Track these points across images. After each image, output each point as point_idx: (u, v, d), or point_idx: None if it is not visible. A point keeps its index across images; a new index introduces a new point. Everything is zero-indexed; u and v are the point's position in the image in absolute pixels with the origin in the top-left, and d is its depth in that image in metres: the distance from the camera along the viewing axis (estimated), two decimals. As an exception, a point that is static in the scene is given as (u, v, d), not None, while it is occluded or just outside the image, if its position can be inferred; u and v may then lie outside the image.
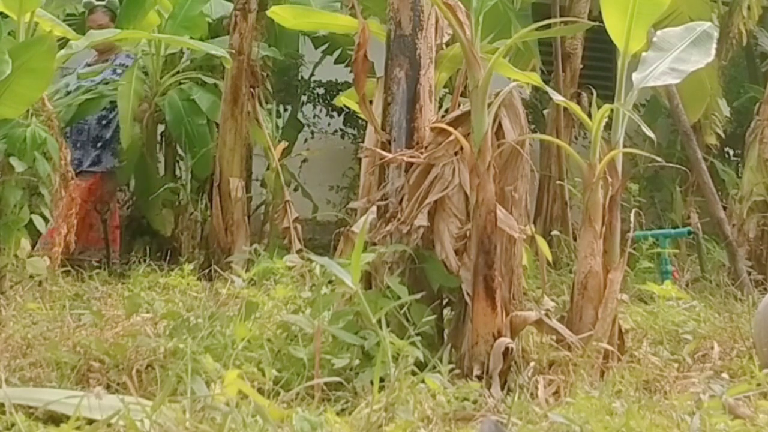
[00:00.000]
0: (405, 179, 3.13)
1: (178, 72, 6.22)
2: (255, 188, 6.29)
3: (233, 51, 5.64)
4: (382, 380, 2.34)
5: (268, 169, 5.96)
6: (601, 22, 3.42)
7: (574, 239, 4.49)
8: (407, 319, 2.79)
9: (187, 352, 2.47)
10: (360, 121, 7.37)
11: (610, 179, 3.24)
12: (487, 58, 3.16)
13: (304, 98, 7.65)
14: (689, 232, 5.90)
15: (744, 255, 5.62)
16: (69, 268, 4.78)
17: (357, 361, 2.70)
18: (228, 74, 5.74)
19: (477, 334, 2.94)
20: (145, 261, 5.27)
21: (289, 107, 7.32)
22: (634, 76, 3.33)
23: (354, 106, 3.99)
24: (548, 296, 3.49)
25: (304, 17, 4.26)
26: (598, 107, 3.29)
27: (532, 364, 2.96)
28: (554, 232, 5.97)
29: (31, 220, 4.30)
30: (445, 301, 3.18)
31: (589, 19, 5.91)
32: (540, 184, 6.76)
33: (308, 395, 2.47)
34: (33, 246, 4.46)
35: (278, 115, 6.73)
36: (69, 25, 5.76)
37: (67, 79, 5.69)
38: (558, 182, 6.67)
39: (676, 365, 3.24)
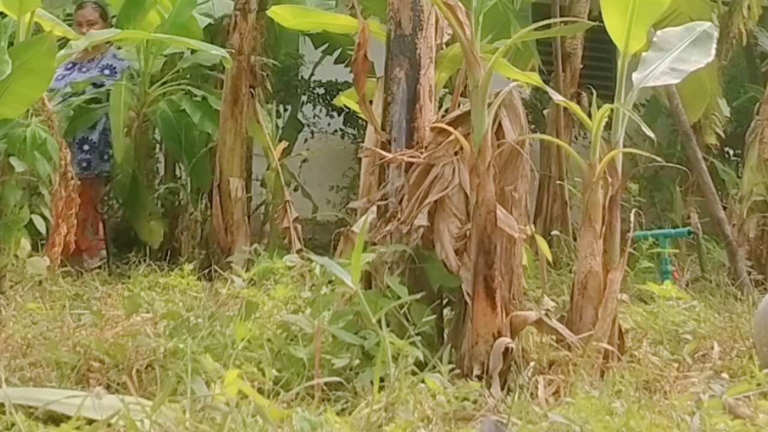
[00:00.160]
0: (405, 179, 3.13)
1: (165, 83, 6.16)
2: (255, 188, 6.29)
3: (233, 51, 5.64)
4: (382, 380, 2.34)
5: (268, 169, 5.96)
6: (601, 22, 3.42)
7: (574, 239, 4.49)
8: (407, 319, 2.79)
9: (187, 352, 2.47)
10: (360, 121, 7.37)
11: (610, 179, 3.24)
12: (487, 58, 3.16)
13: (304, 98, 7.64)
14: (689, 232, 5.89)
15: (744, 255, 5.62)
16: (69, 268, 4.78)
17: (357, 361, 2.70)
18: (228, 74, 5.73)
19: (477, 334, 2.94)
20: (145, 261, 5.27)
21: (289, 107, 7.32)
22: (634, 76, 3.33)
23: (354, 106, 3.99)
24: (548, 296, 3.49)
25: (304, 17, 4.26)
26: (598, 107, 3.29)
27: (532, 364, 2.96)
28: (554, 232, 5.96)
29: (31, 220, 4.30)
30: (445, 301, 3.18)
31: (589, 19, 5.90)
32: (540, 184, 6.75)
33: (308, 395, 2.47)
34: (33, 246, 4.46)
35: (278, 115, 6.74)
36: (69, 25, 5.76)
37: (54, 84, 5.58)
38: (558, 182, 6.67)
39: (676, 365, 3.24)
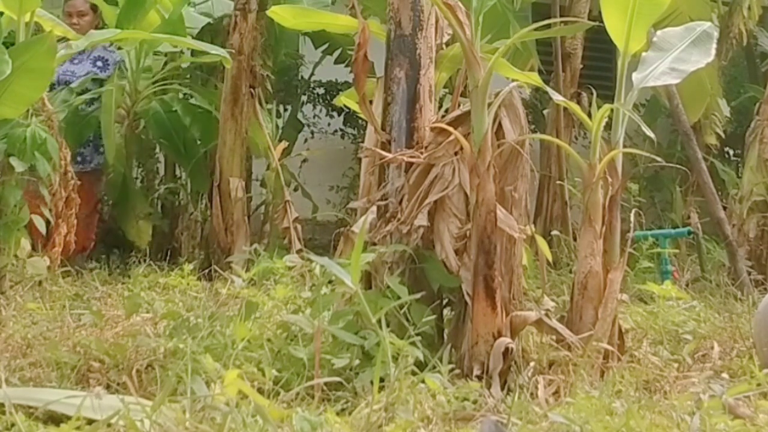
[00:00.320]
0: (405, 179, 3.13)
1: (156, 82, 6.14)
2: (255, 188, 6.29)
3: (233, 51, 5.64)
4: (382, 380, 2.33)
5: (268, 169, 5.97)
6: (601, 22, 3.42)
7: (574, 239, 4.49)
8: (407, 319, 2.79)
9: (187, 352, 2.47)
10: (360, 121, 7.37)
11: (610, 179, 3.24)
12: (487, 58, 3.16)
13: (304, 98, 7.64)
14: (689, 232, 5.90)
15: (744, 255, 5.62)
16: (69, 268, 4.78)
17: (357, 361, 2.70)
18: (228, 74, 5.73)
19: (477, 334, 2.94)
20: (144, 261, 5.27)
21: (289, 107, 7.32)
22: (634, 76, 3.33)
23: (354, 106, 3.99)
24: (548, 296, 3.49)
25: (304, 17, 4.26)
26: (598, 107, 3.29)
27: (532, 364, 2.96)
28: (554, 232, 5.96)
29: (31, 220, 4.30)
30: (445, 301, 3.18)
31: (589, 19, 5.90)
32: (540, 184, 6.75)
33: (308, 395, 2.47)
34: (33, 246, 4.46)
35: (278, 115, 6.74)
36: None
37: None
38: (558, 182, 6.67)
39: (676, 365, 3.24)
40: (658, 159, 4.85)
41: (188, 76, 6.48)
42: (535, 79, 3.50)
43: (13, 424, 2.09)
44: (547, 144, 6.88)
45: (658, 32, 3.57)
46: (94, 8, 5.92)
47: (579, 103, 6.08)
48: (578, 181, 4.71)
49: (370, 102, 3.44)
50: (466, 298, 2.98)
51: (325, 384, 2.54)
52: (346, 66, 6.91)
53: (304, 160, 7.00)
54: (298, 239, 5.65)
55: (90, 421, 2.06)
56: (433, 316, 2.91)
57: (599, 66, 7.45)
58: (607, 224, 3.21)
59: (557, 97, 3.55)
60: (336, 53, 7.28)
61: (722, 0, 7.63)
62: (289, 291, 3.40)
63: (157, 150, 6.42)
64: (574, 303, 3.22)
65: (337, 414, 2.30)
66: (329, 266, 2.44)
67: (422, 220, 3.04)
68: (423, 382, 2.49)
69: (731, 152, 8.44)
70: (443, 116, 3.26)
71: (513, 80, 3.36)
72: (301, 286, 3.60)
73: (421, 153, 3.14)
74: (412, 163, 3.12)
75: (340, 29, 4.17)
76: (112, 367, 2.84)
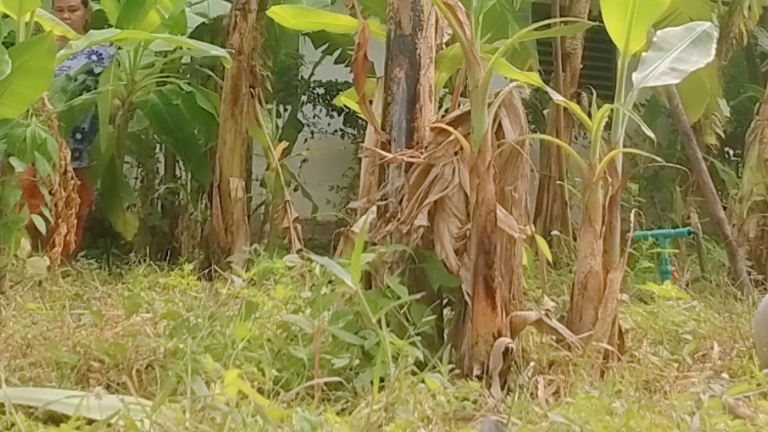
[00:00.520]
0: (405, 179, 3.13)
1: (152, 74, 6.11)
2: (255, 188, 6.29)
3: (233, 51, 5.64)
4: (382, 380, 2.33)
5: (268, 169, 5.96)
6: (601, 22, 3.42)
7: (574, 239, 4.49)
8: (407, 319, 2.79)
9: (187, 352, 2.47)
10: (360, 121, 7.37)
11: (610, 179, 3.23)
12: (487, 58, 3.16)
13: (304, 98, 7.64)
14: (689, 232, 5.90)
15: (744, 255, 5.62)
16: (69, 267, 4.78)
17: (357, 361, 2.70)
18: (228, 74, 5.73)
19: (477, 334, 2.94)
20: (145, 261, 5.27)
21: (289, 107, 7.32)
22: (634, 76, 3.33)
23: (354, 106, 3.99)
24: (548, 296, 3.49)
25: (304, 17, 4.26)
26: (598, 107, 3.29)
27: (532, 364, 2.96)
28: (554, 232, 5.97)
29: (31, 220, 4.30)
30: (445, 301, 3.18)
31: (589, 19, 5.90)
32: (540, 184, 6.76)
33: (308, 395, 2.47)
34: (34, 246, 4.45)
35: (278, 115, 6.74)
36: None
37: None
38: (558, 182, 6.67)
39: (676, 365, 3.23)
40: (658, 159, 4.85)
41: (188, 75, 6.46)
42: (535, 79, 3.50)
43: (13, 424, 2.09)
44: (547, 144, 6.89)
45: (658, 32, 3.57)
46: (84, 3, 5.92)
47: (579, 103, 6.08)
48: (578, 181, 4.70)
49: (370, 102, 3.44)
50: (466, 298, 2.98)
51: (325, 384, 2.54)
52: (346, 66, 6.91)
53: (304, 160, 7.00)
54: (298, 239, 5.64)
55: (90, 421, 2.06)
56: (433, 316, 2.91)
57: (599, 66, 7.46)
58: (607, 224, 3.21)
59: (557, 97, 3.55)
60: (336, 53, 7.28)
61: (722, 0, 7.63)
62: (289, 291, 3.40)
63: (157, 150, 6.42)
64: (574, 303, 3.22)
65: (337, 414, 2.30)
66: (329, 266, 2.44)
67: (422, 220, 3.04)
68: (423, 382, 2.49)
69: (731, 152, 8.44)
70: (443, 116, 3.26)
71: (513, 80, 3.36)
72: (301, 286, 3.60)
73: (421, 153, 3.14)
74: (412, 163, 3.12)
75: (340, 29, 4.17)
76: (112, 367, 2.84)
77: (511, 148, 3.13)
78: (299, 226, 5.72)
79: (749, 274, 5.41)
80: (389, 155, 3.15)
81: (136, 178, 6.34)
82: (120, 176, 5.97)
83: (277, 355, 2.77)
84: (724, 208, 5.84)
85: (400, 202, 3.11)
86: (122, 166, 6.04)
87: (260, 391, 2.38)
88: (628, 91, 3.30)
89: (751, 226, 5.83)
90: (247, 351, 2.68)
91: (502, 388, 2.77)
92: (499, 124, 3.15)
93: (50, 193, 4.49)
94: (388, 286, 2.88)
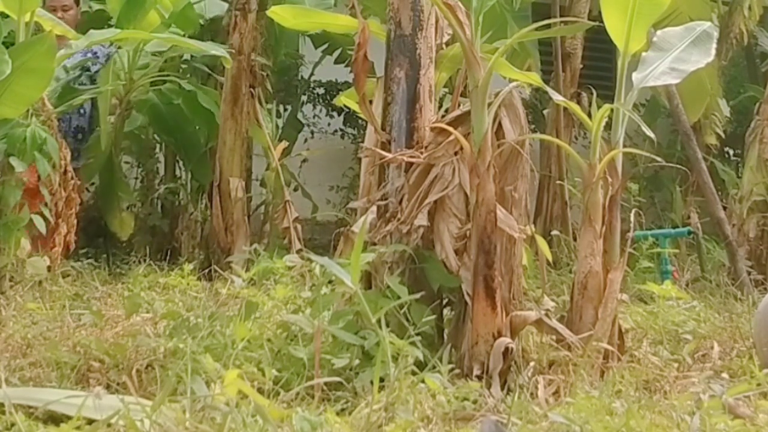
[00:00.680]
0: (405, 179, 3.13)
1: (147, 73, 6.08)
2: (255, 188, 6.29)
3: (233, 51, 5.64)
4: (382, 380, 2.33)
5: (268, 169, 5.96)
6: (601, 22, 3.42)
7: (574, 239, 4.49)
8: (407, 319, 2.79)
9: (187, 352, 2.46)
10: (360, 121, 7.37)
11: (610, 179, 3.24)
12: (487, 58, 3.16)
13: (304, 98, 7.64)
14: (689, 232, 5.90)
15: (744, 255, 5.62)
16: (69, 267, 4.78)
17: (357, 361, 2.70)
18: (228, 74, 5.73)
19: (477, 334, 2.94)
20: (145, 260, 5.27)
21: (289, 107, 7.32)
22: (634, 76, 3.33)
23: (354, 106, 3.99)
24: (548, 296, 3.49)
25: (304, 17, 4.26)
26: (598, 107, 3.29)
27: (532, 364, 2.96)
28: (554, 232, 5.97)
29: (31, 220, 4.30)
30: (445, 301, 3.18)
31: (589, 19, 5.90)
32: (540, 184, 6.75)
33: (308, 395, 2.47)
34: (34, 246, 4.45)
35: (278, 115, 6.73)
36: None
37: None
38: (558, 182, 6.67)
39: (676, 365, 3.23)
40: (658, 159, 4.85)
41: (188, 74, 6.46)
42: (535, 79, 3.51)
43: (13, 424, 2.09)
44: (547, 144, 6.88)
45: (658, 32, 3.57)
46: (77, 1, 5.91)
47: (579, 103, 6.08)
48: (578, 181, 4.71)
49: (370, 102, 3.44)
50: (466, 298, 2.98)
51: (325, 384, 2.54)
52: (346, 66, 6.91)
53: (304, 160, 7.00)
54: (298, 239, 5.64)
55: (90, 421, 2.06)
56: (433, 316, 2.91)
57: (599, 66, 7.45)
58: (607, 224, 3.21)
59: (557, 97, 3.55)
60: (336, 53, 7.28)
61: (722, 0, 7.63)
62: (289, 291, 3.40)
63: (157, 150, 6.41)
64: (574, 303, 3.22)
65: (337, 414, 2.30)
66: (329, 266, 2.45)
67: (422, 220, 3.04)
68: (423, 382, 2.49)
69: (731, 152, 8.44)
70: (443, 116, 3.26)
71: (513, 80, 3.36)
72: (301, 286, 3.60)
73: (421, 153, 3.14)
74: (412, 163, 3.12)
75: (340, 29, 4.17)
76: (112, 367, 2.84)
77: (511, 148, 3.13)
78: (299, 226, 5.72)
79: (749, 274, 5.41)
80: (389, 155, 3.15)
81: (136, 178, 6.34)
82: (118, 176, 5.96)
83: (277, 355, 2.77)
84: (724, 208, 5.84)
85: (400, 202, 3.11)
86: (120, 165, 6.03)
87: (260, 391, 2.38)
88: (628, 91, 3.30)
89: (751, 226, 5.83)
90: (247, 351, 2.68)
91: (502, 388, 2.77)
92: (499, 124, 3.15)
93: (50, 193, 4.49)
94: (388, 286, 2.88)
